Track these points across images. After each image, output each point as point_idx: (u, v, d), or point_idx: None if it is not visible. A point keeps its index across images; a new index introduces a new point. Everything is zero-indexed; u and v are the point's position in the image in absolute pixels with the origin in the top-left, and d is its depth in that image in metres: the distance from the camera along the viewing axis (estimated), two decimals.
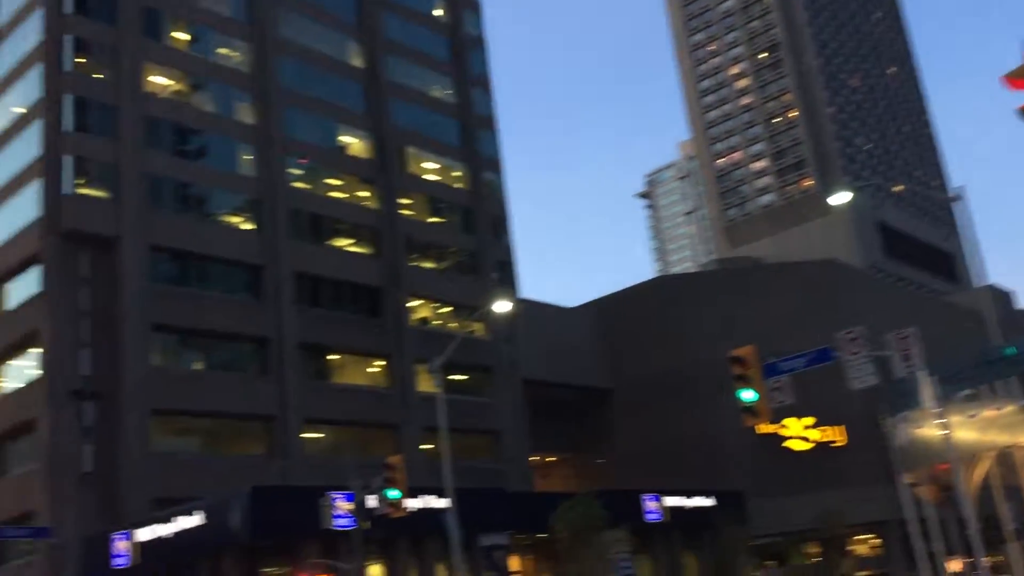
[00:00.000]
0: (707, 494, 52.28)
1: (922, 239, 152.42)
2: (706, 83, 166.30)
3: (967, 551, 40.51)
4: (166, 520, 37.44)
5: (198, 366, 48.36)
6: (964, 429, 33.77)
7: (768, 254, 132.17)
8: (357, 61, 59.29)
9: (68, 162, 44.80)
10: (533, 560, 46.04)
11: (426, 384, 51.14)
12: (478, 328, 57.64)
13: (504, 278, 61.05)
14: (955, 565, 43.67)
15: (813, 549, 59.74)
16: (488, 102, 65.80)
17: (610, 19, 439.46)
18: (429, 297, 57.96)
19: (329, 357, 52.99)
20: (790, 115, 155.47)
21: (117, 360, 43.66)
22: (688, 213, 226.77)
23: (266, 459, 47.24)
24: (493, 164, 64.12)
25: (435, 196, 60.74)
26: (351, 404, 51.53)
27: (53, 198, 44.52)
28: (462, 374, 55.56)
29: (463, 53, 65.37)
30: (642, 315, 67.02)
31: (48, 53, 46.55)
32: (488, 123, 65.07)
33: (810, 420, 61.15)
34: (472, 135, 63.42)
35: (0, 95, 50.47)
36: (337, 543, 35.18)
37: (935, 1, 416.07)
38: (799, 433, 61.45)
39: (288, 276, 50.53)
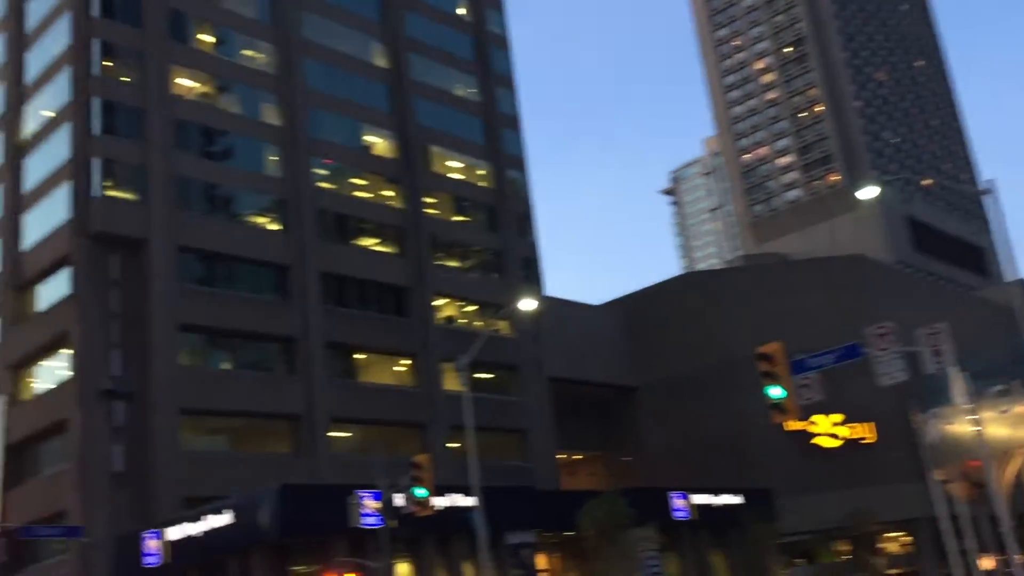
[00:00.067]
0: (735, 492, 51.98)
1: (952, 233, 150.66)
2: (731, 78, 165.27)
3: (1000, 549, 40.08)
4: (196, 519, 37.76)
5: (226, 366, 48.74)
6: (996, 425, 33.37)
7: (795, 250, 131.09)
8: (381, 61, 59.47)
9: (97, 165, 45.28)
10: (560, 558, 45.99)
11: (452, 383, 51.24)
12: (504, 326, 57.67)
13: (529, 276, 61.03)
14: (987, 563, 43.22)
15: (843, 547, 59.28)
16: (512, 100, 65.81)
17: (634, 16, 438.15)
18: (454, 296, 58.05)
19: (355, 356, 53.21)
20: (816, 109, 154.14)
21: (147, 360, 44.08)
22: (713, 209, 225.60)
23: (294, 458, 47.52)
24: (517, 162, 64.11)
25: (460, 195, 60.83)
26: (377, 403, 51.72)
27: (83, 200, 45.01)
28: (488, 372, 55.62)
29: (487, 51, 65.39)
30: (668, 312, 66.70)
31: (76, 57, 47.07)
32: (512, 121, 65.08)
33: (839, 417, 60.62)
34: (496, 133, 63.45)
35: (30, 99, 51.14)
36: (365, 541, 35.32)
37: None
38: (828, 430, 60.93)
39: (314, 276, 50.79)
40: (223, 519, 36.78)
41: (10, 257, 49.50)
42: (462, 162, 61.74)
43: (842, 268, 70.18)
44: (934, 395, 34.85)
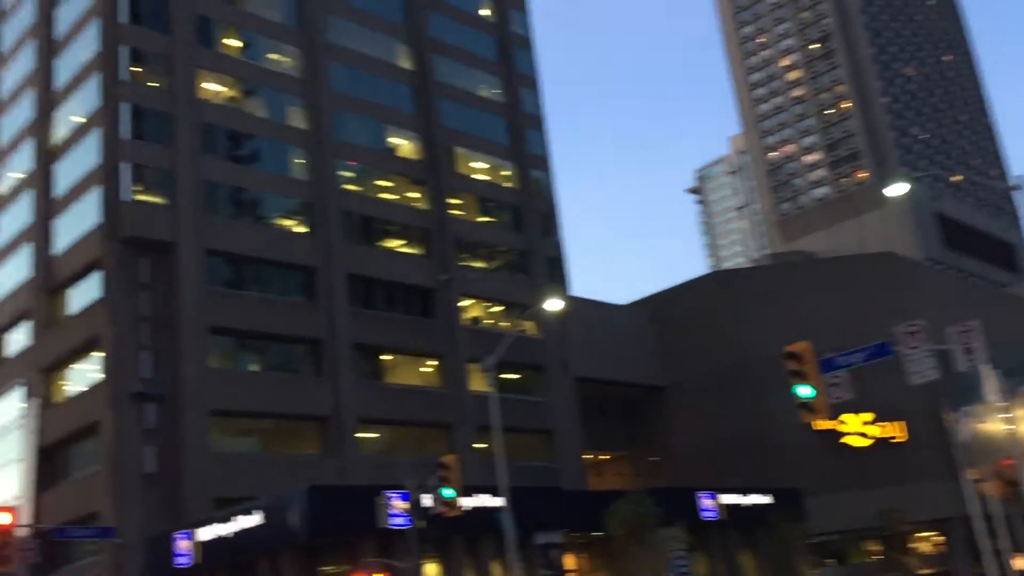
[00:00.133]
0: (764, 491, 51.66)
1: (982, 230, 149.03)
2: (756, 76, 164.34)
3: None
4: (226, 520, 38.02)
5: (254, 368, 49.08)
6: None
7: (822, 248, 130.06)
8: (405, 63, 59.67)
9: (126, 170, 45.75)
10: (588, 558, 45.90)
11: (478, 383, 51.32)
12: (529, 327, 57.67)
13: (554, 276, 61.01)
14: (1021, 562, 42.70)
15: (874, 547, 58.76)
16: (536, 100, 65.82)
17: (659, 14, 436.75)
18: (480, 296, 58.13)
19: (382, 357, 53.41)
20: (843, 106, 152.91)
21: (176, 363, 44.47)
22: (740, 208, 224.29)
23: (322, 459, 47.76)
24: (542, 162, 64.11)
25: (484, 195, 60.91)
26: (404, 404, 51.88)
27: (113, 205, 45.50)
28: (514, 373, 55.65)
29: (510, 52, 65.46)
30: (695, 311, 66.39)
31: (105, 63, 47.60)
32: (536, 122, 65.09)
33: (869, 416, 60.08)
34: (520, 134, 63.50)
35: (60, 105, 51.76)
36: (393, 542, 35.41)
37: None
38: (858, 429, 60.38)
39: (341, 278, 51.04)
40: (253, 520, 37.01)
41: (42, 261, 50.12)
42: (486, 163, 61.83)
43: (871, 266, 69.60)
44: (966, 393, 34.54)
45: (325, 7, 56.12)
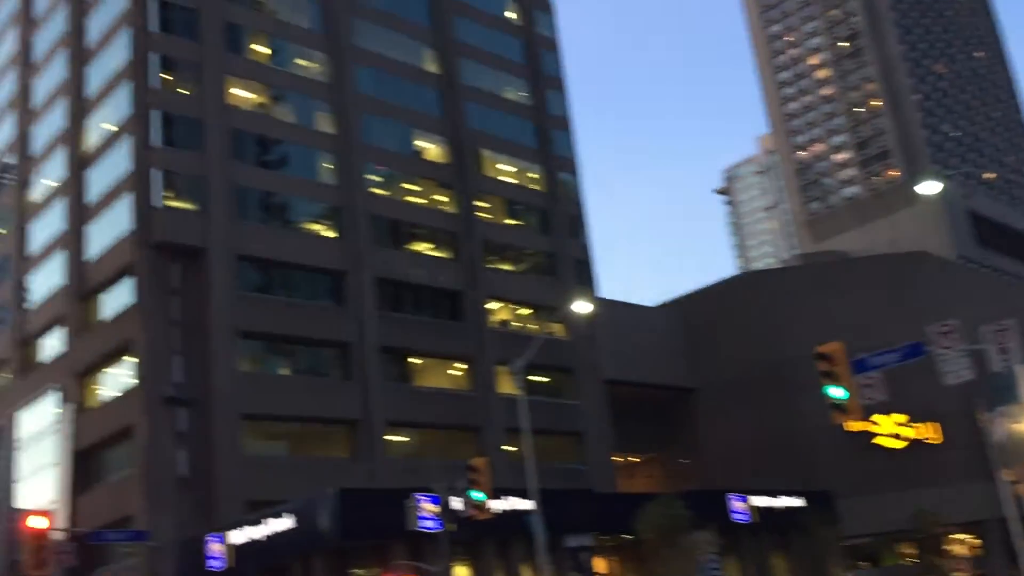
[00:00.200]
0: (796, 494, 51.22)
1: (1016, 228, 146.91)
2: (784, 75, 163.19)
3: None
4: (257, 523, 38.26)
5: (284, 372, 49.37)
6: None
7: (853, 247, 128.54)
8: (432, 66, 59.84)
9: (157, 176, 46.23)
10: (619, 561, 45.75)
11: (507, 386, 51.31)
12: (558, 329, 57.60)
13: (582, 278, 60.90)
14: None
15: (908, 550, 58.08)
16: (562, 102, 65.78)
17: (685, 15, 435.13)
18: (508, 299, 58.14)
19: (411, 360, 53.55)
20: (873, 104, 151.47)
21: (208, 367, 44.82)
22: (769, 208, 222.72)
23: (351, 462, 47.94)
24: (569, 164, 64.05)
25: (512, 198, 60.93)
26: (433, 407, 51.98)
27: (144, 211, 45.97)
28: (543, 375, 55.55)
29: (536, 54, 65.48)
30: (725, 312, 66.00)
31: (136, 71, 48.13)
32: (563, 123, 65.05)
33: (903, 417, 59.40)
34: (547, 136, 63.48)
35: (92, 112, 52.40)
36: (423, 545, 35.47)
37: None
38: (891, 430, 59.70)
39: (369, 281, 51.24)
40: (284, 523, 37.23)
41: (75, 268, 50.74)
42: (514, 165, 61.85)
43: (903, 265, 68.84)
44: (1001, 393, 34.06)
45: (351, 12, 56.43)
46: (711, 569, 41.48)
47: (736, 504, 47.49)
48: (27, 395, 52.44)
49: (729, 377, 63.82)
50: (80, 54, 54.24)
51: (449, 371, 54.94)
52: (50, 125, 56.20)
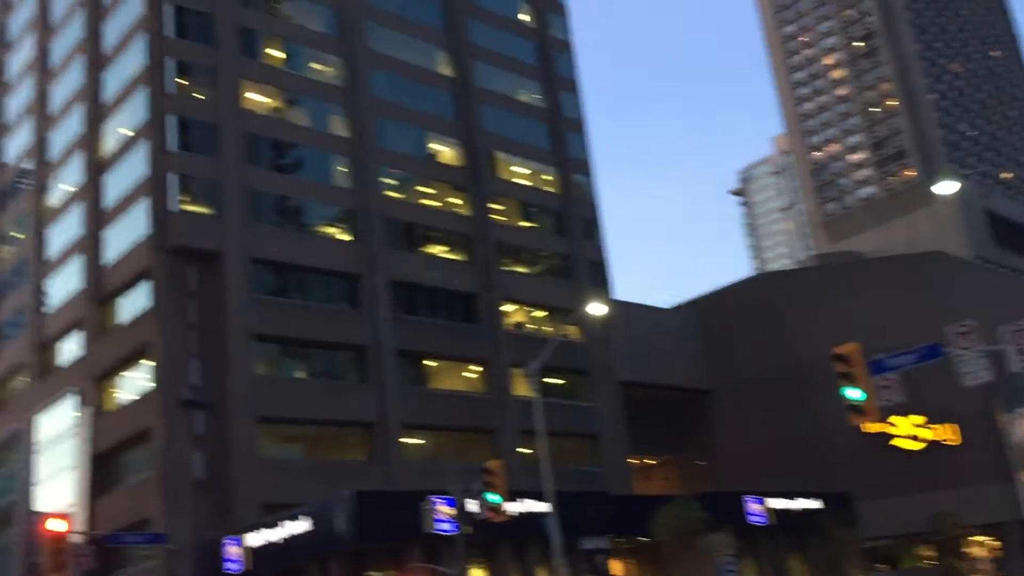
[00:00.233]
0: (813, 496, 50.96)
1: None
2: (799, 75, 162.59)
3: None
4: (274, 525, 38.38)
5: (300, 375, 49.52)
6: None
7: (870, 248, 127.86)
8: (446, 69, 59.93)
9: (174, 181, 46.48)
10: (635, 564, 45.65)
11: (522, 388, 51.30)
12: (573, 331, 57.56)
13: (597, 280, 60.84)
14: None
15: (926, 552, 57.69)
16: (576, 104, 65.75)
17: (700, 14, 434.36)
18: (523, 301, 58.13)
19: (426, 363, 53.60)
20: (889, 104, 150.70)
21: (224, 370, 45.00)
22: (784, 209, 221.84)
23: (367, 465, 48.03)
24: (583, 166, 64.01)
25: (526, 200, 60.94)
26: (449, 409, 52.02)
27: (160, 215, 46.22)
28: (558, 377, 55.52)
29: (550, 56, 65.49)
30: (741, 313, 65.74)
31: (152, 76, 48.40)
32: (577, 125, 65.02)
33: (920, 419, 59.00)
34: (561, 138, 63.46)
35: (108, 118, 52.73)
36: (439, 547, 35.50)
37: None
38: (909, 432, 59.31)
39: (384, 284, 51.34)
40: (301, 525, 37.33)
41: (93, 272, 51.05)
42: (528, 168, 61.86)
43: (920, 265, 68.45)
44: (1019, 394, 33.82)
45: (366, 15, 56.59)
46: (728, 571, 41.32)
47: (753, 506, 47.30)
48: (45, 399, 52.81)
49: (745, 378, 63.59)
50: (97, 60, 54.60)
51: (464, 373, 54.98)
52: (67, 130, 56.61)
